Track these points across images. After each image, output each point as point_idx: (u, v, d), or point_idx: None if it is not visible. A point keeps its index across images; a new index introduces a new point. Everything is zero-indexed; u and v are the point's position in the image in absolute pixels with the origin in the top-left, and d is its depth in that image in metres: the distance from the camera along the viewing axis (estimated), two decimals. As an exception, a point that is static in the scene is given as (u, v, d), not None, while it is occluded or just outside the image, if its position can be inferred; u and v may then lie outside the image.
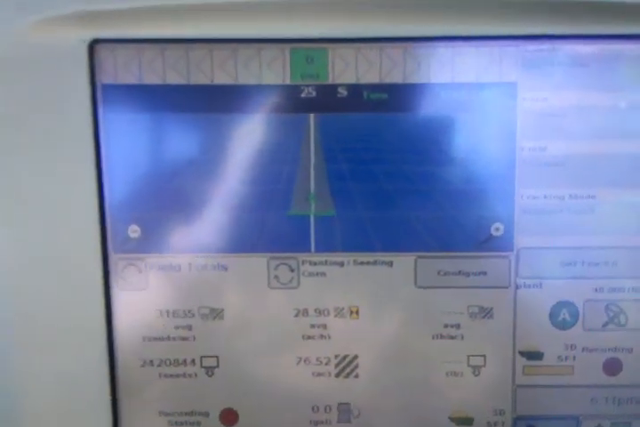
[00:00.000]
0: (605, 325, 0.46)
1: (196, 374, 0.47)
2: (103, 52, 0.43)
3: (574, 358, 0.47)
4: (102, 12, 0.41)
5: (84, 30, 0.42)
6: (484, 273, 0.46)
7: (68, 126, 0.43)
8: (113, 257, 0.45)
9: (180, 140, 0.45)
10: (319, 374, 0.47)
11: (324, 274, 0.46)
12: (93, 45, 0.43)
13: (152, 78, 0.44)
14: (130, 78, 0.44)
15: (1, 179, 0.43)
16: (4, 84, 0.42)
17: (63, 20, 0.41)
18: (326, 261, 0.46)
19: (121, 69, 0.44)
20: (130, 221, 0.45)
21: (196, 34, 0.43)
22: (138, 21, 0.42)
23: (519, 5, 0.42)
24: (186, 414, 0.48)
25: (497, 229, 0.45)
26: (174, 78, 0.44)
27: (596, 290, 0.46)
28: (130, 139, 0.44)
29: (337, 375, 0.47)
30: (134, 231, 0.45)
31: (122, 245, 0.46)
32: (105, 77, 0.44)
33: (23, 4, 0.41)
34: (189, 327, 0.46)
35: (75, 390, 0.46)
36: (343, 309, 0.46)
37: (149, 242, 0.46)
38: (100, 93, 0.43)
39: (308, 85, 0.44)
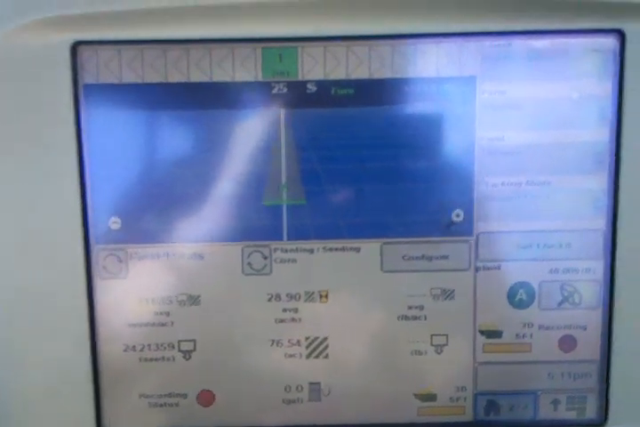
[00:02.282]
0: (560, 304, 0.50)
1: (174, 358, 0.50)
2: (85, 54, 0.46)
3: (531, 335, 0.50)
4: (84, 16, 0.44)
5: (67, 33, 0.45)
6: (446, 257, 0.49)
7: (52, 124, 0.46)
8: (94, 248, 0.48)
9: (158, 136, 0.47)
10: (291, 356, 0.50)
11: (294, 260, 0.49)
12: (76, 47, 0.45)
13: (131, 78, 0.46)
14: (110, 78, 0.46)
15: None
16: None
17: (47, 23, 0.44)
18: (297, 249, 0.49)
19: (102, 70, 0.46)
20: (111, 214, 0.48)
21: (173, 35, 0.45)
22: (118, 24, 0.45)
23: (476, 3, 0.45)
24: (165, 395, 0.50)
25: (457, 216, 0.48)
26: (152, 77, 0.46)
27: (552, 271, 0.49)
28: (110, 135, 0.47)
29: (308, 356, 0.50)
30: (115, 223, 0.48)
31: (103, 237, 0.48)
32: (87, 78, 0.46)
33: (9, 8, 0.43)
34: (168, 313, 0.49)
35: (59, 375, 0.48)
36: (313, 293, 0.49)
37: (129, 233, 0.48)
38: (81, 93, 0.46)
39: (278, 82, 0.47)
